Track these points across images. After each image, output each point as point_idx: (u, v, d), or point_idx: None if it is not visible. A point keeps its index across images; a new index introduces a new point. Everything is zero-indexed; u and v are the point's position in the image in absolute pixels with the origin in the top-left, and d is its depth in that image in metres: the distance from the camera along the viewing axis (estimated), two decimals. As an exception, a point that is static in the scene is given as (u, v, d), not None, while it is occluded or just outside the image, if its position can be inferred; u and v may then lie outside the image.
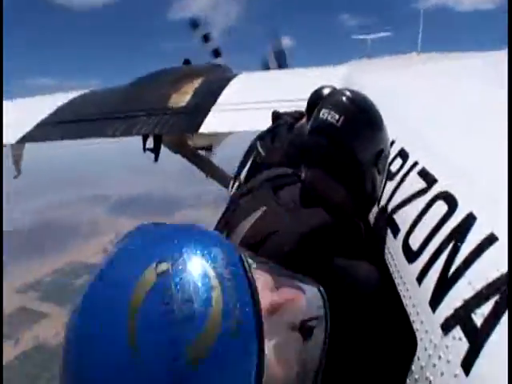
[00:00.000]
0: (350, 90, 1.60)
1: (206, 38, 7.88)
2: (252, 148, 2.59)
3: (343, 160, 1.50)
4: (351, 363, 1.24)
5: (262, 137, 2.65)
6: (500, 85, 1.99)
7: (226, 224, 1.58)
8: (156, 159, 4.93)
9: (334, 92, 1.65)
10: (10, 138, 4.46)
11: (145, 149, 4.91)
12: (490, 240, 0.98)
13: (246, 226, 1.46)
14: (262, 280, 0.61)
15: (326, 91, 2.45)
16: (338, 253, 1.32)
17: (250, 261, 0.59)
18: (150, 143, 4.88)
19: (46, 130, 4.61)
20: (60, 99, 5.32)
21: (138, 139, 4.84)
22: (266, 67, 8.39)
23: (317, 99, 2.27)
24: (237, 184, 2.39)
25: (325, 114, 1.51)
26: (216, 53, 7.76)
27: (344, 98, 1.53)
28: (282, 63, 8.50)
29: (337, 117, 1.48)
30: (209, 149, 5.77)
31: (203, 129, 3.86)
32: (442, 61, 4.43)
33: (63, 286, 60.14)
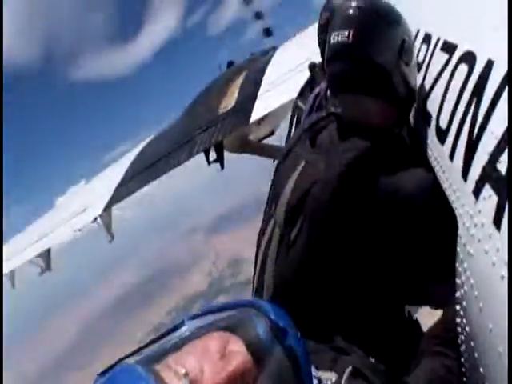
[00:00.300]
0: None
1: (257, 16, 7.85)
2: (294, 108, 2.53)
3: (366, 72, 1.37)
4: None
5: (301, 93, 2.56)
6: None
7: (274, 189, 1.57)
8: (222, 167, 4.96)
9: (337, 8, 1.53)
10: (97, 209, 4.81)
11: (209, 162, 4.98)
12: (505, 81, 0.83)
13: (291, 185, 1.44)
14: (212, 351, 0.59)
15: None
16: (384, 172, 1.26)
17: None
18: (213, 156, 4.95)
19: (124, 186, 4.89)
20: (129, 157, 5.66)
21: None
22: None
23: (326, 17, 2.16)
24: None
25: (335, 36, 1.40)
26: (267, 31, 7.67)
27: (349, 11, 1.40)
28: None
29: (346, 33, 1.36)
30: (271, 134, 5.72)
31: (254, 115, 3.83)
32: None
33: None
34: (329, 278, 1.29)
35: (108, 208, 4.74)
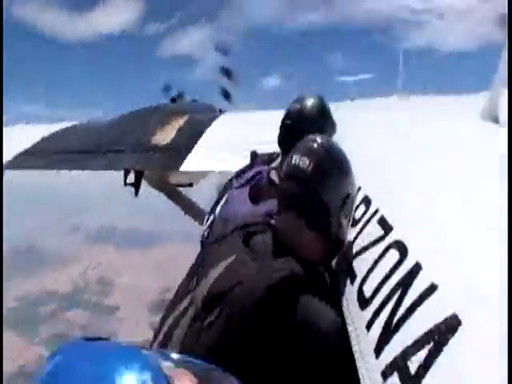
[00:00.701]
0: (320, 136, 1.70)
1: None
2: (228, 185, 2.65)
3: (313, 204, 1.58)
4: None
5: (238, 175, 2.71)
6: (468, 133, 2.12)
7: (197, 272, 1.61)
8: (136, 194, 4.97)
9: (306, 138, 1.74)
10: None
11: (125, 183, 4.96)
12: (431, 290, 1.05)
13: (214, 275, 1.49)
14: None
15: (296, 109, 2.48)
16: (302, 305, 1.36)
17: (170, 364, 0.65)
18: (131, 179, 4.95)
19: (26, 160, 4.64)
20: (44, 130, 5.36)
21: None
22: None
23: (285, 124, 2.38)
24: (211, 219, 2.44)
25: (296, 159, 1.60)
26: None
27: (314, 145, 1.64)
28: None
29: (307, 162, 1.57)
30: (189, 185, 5.86)
31: (184, 167, 3.95)
32: (419, 106, 4.59)
33: (25, 314, 57.50)
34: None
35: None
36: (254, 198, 2.21)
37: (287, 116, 2.45)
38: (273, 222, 1.72)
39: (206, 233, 2.37)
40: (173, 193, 5.72)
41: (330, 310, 1.40)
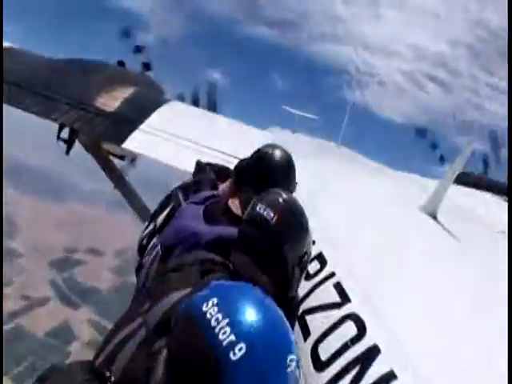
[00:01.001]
0: (285, 192, 1.80)
1: (137, 49, 7.70)
2: (173, 196, 2.60)
3: (271, 254, 1.67)
4: None
5: (184, 187, 2.66)
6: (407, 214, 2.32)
7: (152, 294, 1.62)
8: (68, 152, 4.70)
9: (272, 191, 1.83)
10: None
11: (59, 137, 4.65)
12: (389, 377, 1.17)
13: (171, 301, 1.49)
14: None
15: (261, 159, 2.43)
16: None
17: None
18: (65, 134, 4.65)
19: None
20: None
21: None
22: (196, 97, 8.38)
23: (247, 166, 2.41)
24: (151, 227, 2.40)
25: (261, 209, 1.69)
26: (146, 66, 7.63)
27: (280, 199, 1.73)
28: (211, 97, 8.57)
29: (271, 214, 1.67)
30: (121, 158, 5.63)
31: (126, 144, 3.82)
32: (361, 169, 4.87)
33: None
34: None
35: None
36: (208, 219, 2.23)
37: (258, 158, 2.43)
38: (230, 265, 1.76)
39: (144, 240, 2.34)
40: (105, 162, 5.46)
41: None
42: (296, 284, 1.76)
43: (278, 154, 2.38)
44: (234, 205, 2.29)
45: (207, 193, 2.46)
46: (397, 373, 1.18)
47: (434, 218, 2.29)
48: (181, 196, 2.52)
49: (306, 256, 1.75)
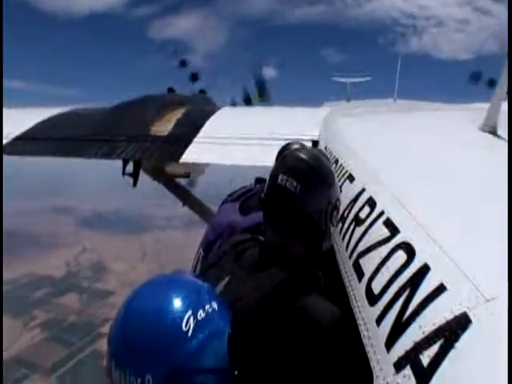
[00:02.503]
0: (303, 152, 1.73)
1: (183, 63, 7.97)
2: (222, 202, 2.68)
3: (301, 224, 1.64)
4: None
5: (231, 194, 2.69)
6: (465, 142, 2.19)
7: None
8: (135, 184, 5.01)
9: (288, 155, 1.75)
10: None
11: (124, 173, 4.99)
12: (440, 290, 1.12)
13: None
14: None
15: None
16: (299, 306, 1.44)
17: None
18: (129, 169, 4.97)
19: (23, 145, 4.62)
20: (41, 114, 5.34)
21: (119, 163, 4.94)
22: (247, 98, 8.52)
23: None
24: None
25: (283, 180, 1.63)
26: (194, 77, 7.86)
27: (300, 164, 1.66)
28: (262, 92, 8.62)
29: (294, 184, 1.61)
30: (186, 176, 5.90)
31: (184, 159, 3.99)
32: (416, 111, 4.68)
33: (18, 299, 56.47)
34: None
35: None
36: (244, 211, 2.28)
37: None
38: (261, 237, 1.78)
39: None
40: (170, 183, 5.75)
41: (327, 304, 1.48)
42: (329, 239, 1.74)
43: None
44: None
45: (245, 189, 2.51)
46: (447, 284, 1.12)
47: (494, 134, 2.14)
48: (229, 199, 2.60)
49: (335, 208, 1.72)
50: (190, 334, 0.97)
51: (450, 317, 1.02)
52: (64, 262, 70.53)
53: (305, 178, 1.62)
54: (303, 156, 1.69)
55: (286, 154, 1.78)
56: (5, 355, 40.87)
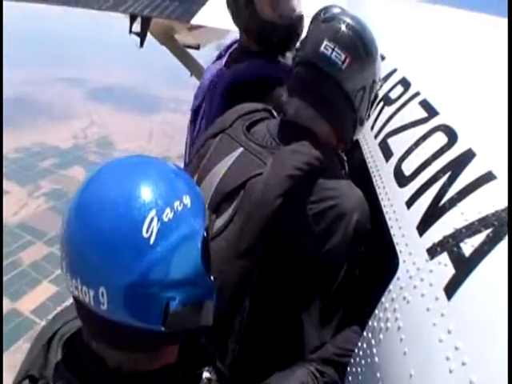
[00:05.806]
0: (352, 19, 1.40)
1: None
2: None
3: (339, 101, 1.39)
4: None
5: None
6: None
7: (199, 166, 1.50)
8: (141, 44, 4.64)
9: (337, 19, 1.39)
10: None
11: (131, 30, 4.60)
12: (488, 177, 0.97)
13: (222, 168, 1.39)
14: None
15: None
16: (324, 187, 1.29)
17: None
18: (136, 27, 4.56)
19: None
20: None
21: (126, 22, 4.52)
22: None
23: None
24: None
25: (328, 48, 1.33)
26: None
27: (351, 33, 1.35)
28: None
29: (342, 57, 1.32)
30: (196, 48, 5.50)
31: (197, 19, 3.62)
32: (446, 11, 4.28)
33: (27, 167, 56.35)
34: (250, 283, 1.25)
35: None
36: (230, 64, 2.06)
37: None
38: (285, 108, 1.51)
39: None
40: (178, 51, 5.35)
41: (351, 187, 1.33)
42: (363, 124, 1.50)
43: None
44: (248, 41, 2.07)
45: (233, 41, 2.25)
46: (496, 173, 0.97)
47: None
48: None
49: (375, 84, 1.45)
50: (152, 240, 0.72)
51: (499, 206, 0.88)
52: (72, 133, 69.87)
53: (355, 51, 1.34)
54: (354, 24, 1.36)
55: (330, 17, 1.42)
56: (10, 221, 42.21)
